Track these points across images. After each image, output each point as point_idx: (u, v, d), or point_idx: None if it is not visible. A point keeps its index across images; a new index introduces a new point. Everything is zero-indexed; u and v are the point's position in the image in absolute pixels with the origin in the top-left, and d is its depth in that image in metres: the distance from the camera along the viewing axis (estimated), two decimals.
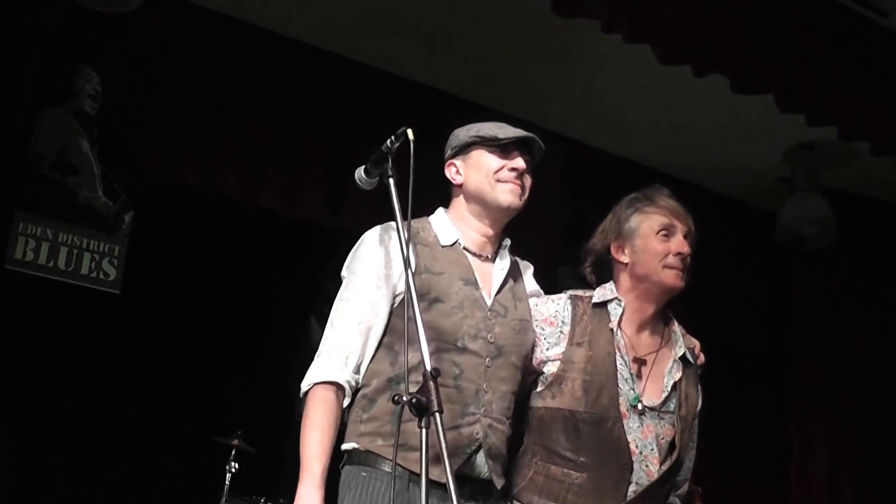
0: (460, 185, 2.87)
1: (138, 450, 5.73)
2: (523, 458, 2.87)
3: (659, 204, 2.97)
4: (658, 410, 2.85)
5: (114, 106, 5.91)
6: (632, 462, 2.78)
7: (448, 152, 2.91)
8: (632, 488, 2.77)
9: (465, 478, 2.65)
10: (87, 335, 5.80)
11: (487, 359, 2.72)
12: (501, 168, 2.80)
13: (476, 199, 2.84)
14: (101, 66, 5.77)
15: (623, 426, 2.79)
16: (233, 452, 4.99)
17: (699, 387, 3.02)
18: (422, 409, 2.29)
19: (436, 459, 2.51)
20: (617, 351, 2.85)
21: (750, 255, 7.49)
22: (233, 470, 4.96)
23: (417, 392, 2.30)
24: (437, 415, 2.25)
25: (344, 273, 2.84)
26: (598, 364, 2.82)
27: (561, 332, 2.86)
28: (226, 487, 4.91)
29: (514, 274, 2.93)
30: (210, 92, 5.95)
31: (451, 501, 2.20)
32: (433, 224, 2.87)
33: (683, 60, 4.69)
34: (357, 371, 2.71)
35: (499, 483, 2.76)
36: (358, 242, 2.85)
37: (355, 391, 2.75)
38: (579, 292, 2.98)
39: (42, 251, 5.85)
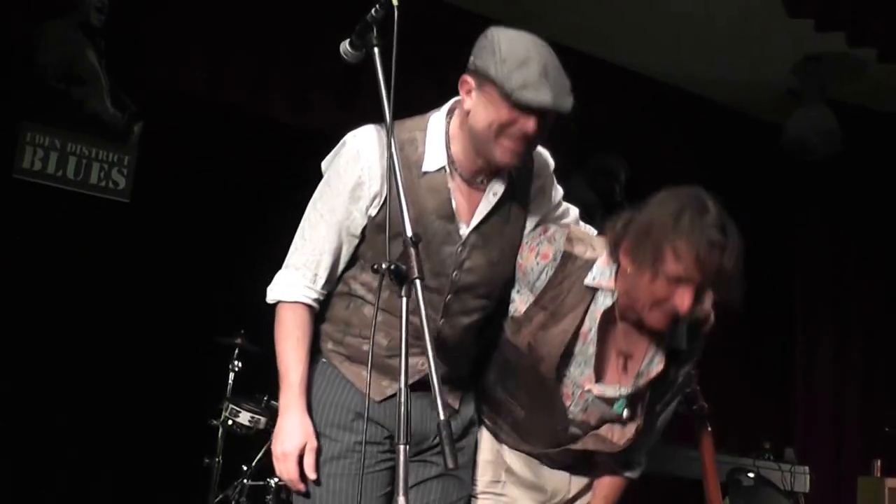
0: (467, 111, 2.51)
1: (144, 351, 5.78)
2: (489, 391, 2.84)
3: (694, 253, 2.39)
4: (612, 403, 2.67)
5: (120, 17, 5.93)
6: (567, 428, 2.70)
7: (471, 59, 2.50)
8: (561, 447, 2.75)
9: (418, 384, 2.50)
10: (96, 244, 5.84)
11: (448, 295, 2.61)
12: (510, 125, 2.43)
13: (473, 138, 2.51)
14: None
15: (562, 400, 2.67)
16: (236, 351, 5.04)
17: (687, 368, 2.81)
18: (401, 277, 2.23)
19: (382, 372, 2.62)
20: (580, 337, 2.63)
21: (757, 167, 7.50)
22: (236, 369, 5.03)
23: (398, 259, 2.24)
24: (418, 281, 2.19)
25: (324, 170, 2.73)
26: (549, 338, 2.61)
27: (533, 285, 2.64)
28: (229, 386, 4.98)
29: (510, 196, 2.64)
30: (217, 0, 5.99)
31: (431, 375, 2.13)
32: (427, 136, 2.58)
33: None
34: (325, 287, 2.67)
35: (454, 403, 2.72)
36: (340, 144, 2.66)
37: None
38: (578, 246, 2.64)
39: (50, 161, 5.91)
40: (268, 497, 4.76)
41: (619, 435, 2.71)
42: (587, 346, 2.63)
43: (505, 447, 2.87)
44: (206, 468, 4.89)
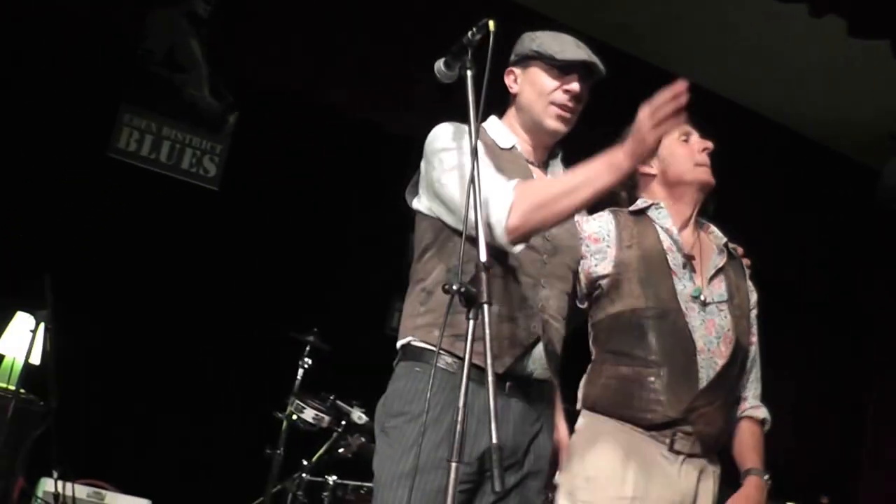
0: (515, 95, 2.80)
1: (219, 336, 5.91)
2: (593, 371, 2.87)
3: None
4: (716, 303, 2.86)
5: (226, 9, 6.05)
6: (696, 354, 2.77)
7: (511, 58, 2.82)
8: (703, 382, 2.76)
9: (519, 377, 2.62)
10: (182, 228, 5.98)
11: (545, 255, 2.69)
12: (556, 90, 2.71)
13: (526, 114, 2.77)
14: None
15: (685, 319, 2.80)
16: (307, 348, 5.10)
17: (749, 282, 3.04)
18: (471, 300, 2.24)
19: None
20: (666, 249, 2.86)
21: (844, 208, 7.39)
22: (305, 366, 5.08)
23: (469, 282, 2.24)
24: (486, 306, 2.20)
25: (429, 157, 2.71)
26: (650, 261, 2.83)
27: (607, 245, 2.85)
28: (297, 382, 5.04)
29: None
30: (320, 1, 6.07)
31: (489, 391, 2.15)
32: (488, 129, 2.80)
33: None
34: None
35: (555, 381, 2.75)
36: (431, 135, 2.72)
37: (415, 283, 2.73)
38: (615, 208, 2.97)
39: (145, 143, 6.06)
40: (324, 494, 4.80)
41: (726, 344, 2.83)
42: (677, 256, 2.86)
43: (632, 465, 2.75)
44: (266, 458, 4.95)
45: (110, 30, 5.86)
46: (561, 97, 2.70)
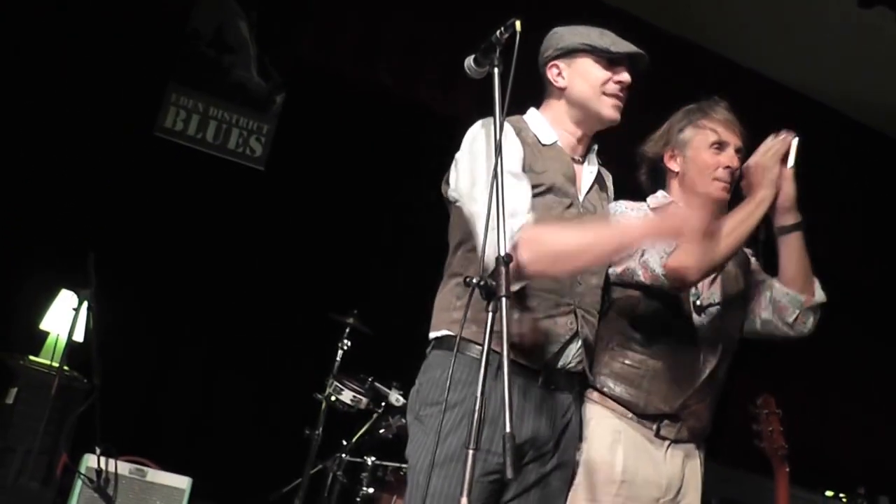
0: (562, 89, 2.82)
1: (261, 315, 5.98)
2: (600, 346, 2.87)
3: (713, 118, 2.96)
4: (710, 306, 2.89)
5: None
6: (695, 354, 2.85)
7: (550, 52, 2.84)
8: (697, 381, 2.84)
9: (556, 369, 2.66)
10: (227, 207, 6.03)
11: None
12: (608, 80, 2.77)
13: (578, 106, 2.81)
14: None
15: (692, 319, 2.86)
16: (347, 330, 5.12)
17: (751, 259, 3.09)
18: (490, 293, 2.28)
19: (527, 349, 2.61)
20: None
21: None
22: (345, 347, 5.10)
23: (489, 276, 2.27)
24: (504, 299, 2.22)
25: (464, 156, 2.76)
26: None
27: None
28: (336, 363, 5.07)
29: (600, 179, 2.91)
30: None
31: (504, 382, 2.14)
32: (530, 123, 2.83)
33: None
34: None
35: (590, 375, 2.78)
36: (470, 135, 2.77)
37: (450, 276, 2.76)
38: (643, 203, 3.00)
39: (192, 123, 6.11)
40: (363, 474, 4.83)
41: (716, 347, 2.89)
42: None
43: (620, 450, 2.82)
44: (306, 439, 4.99)
45: (159, 9, 5.90)
46: (613, 87, 2.77)
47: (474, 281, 2.29)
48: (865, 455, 6.96)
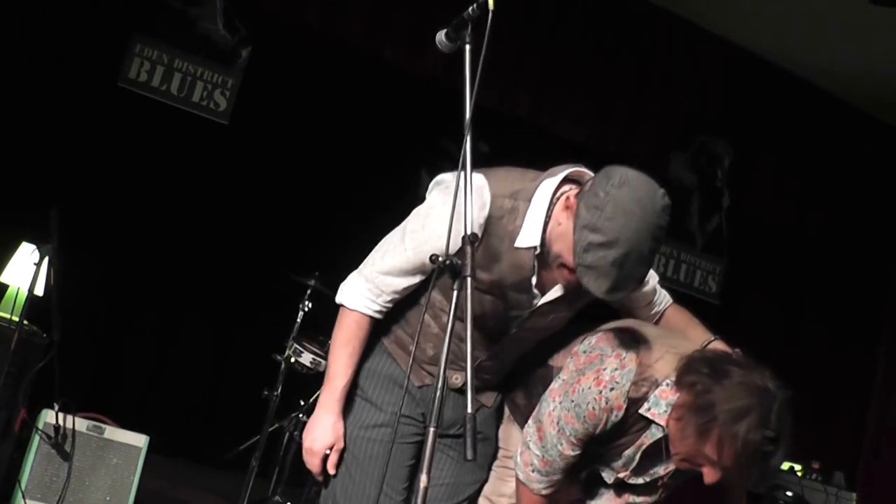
0: (564, 211, 2.50)
1: (221, 272, 5.98)
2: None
3: (737, 458, 2.43)
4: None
5: None
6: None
7: (587, 187, 2.45)
8: None
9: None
10: (190, 160, 5.99)
11: (498, 347, 2.72)
12: (571, 272, 2.45)
13: (549, 245, 2.54)
14: None
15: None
16: (308, 292, 5.10)
17: None
18: (455, 272, 2.29)
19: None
20: (635, 447, 2.67)
21: (870, 168, 7.37)
22: (305, 309, 5.09)
23: (454, 255, 2.26)
24: (468, 279, 2.22)
25: (429, 197, 2.70)
26: (599, 447, 2.70)
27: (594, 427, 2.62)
28: (296, 325, 5.06)
29: (576, 293, 2.59)
30: None
31: (468, 364, 2.15)
32: (528, 212, 2.55)
33: None
34: (391, 303, 2.69)
35: (486, 402, 2.84)
36: (438, 182, 2.71)
37: None
38: (642, 388, 2.58)
39: (156, 74, 6.04)
40: None
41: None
42: (636, 453, 2.68)
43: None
44: (264, 399, 4.99)
45: None
46: (570, 277, 2.50)
47: (440, 259, 2.30)
48: (821, 430, 7.09)
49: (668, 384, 2.56)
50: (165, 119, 6.01)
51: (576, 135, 6.68)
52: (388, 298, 2.68)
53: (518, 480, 2.76)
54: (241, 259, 5.99)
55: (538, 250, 2.54)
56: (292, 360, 4.97)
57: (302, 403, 5.02)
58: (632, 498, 2.82)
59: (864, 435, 7.33)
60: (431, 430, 2.17)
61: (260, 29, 6.20)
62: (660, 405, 2.57)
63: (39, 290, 4.68)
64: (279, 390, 5.01)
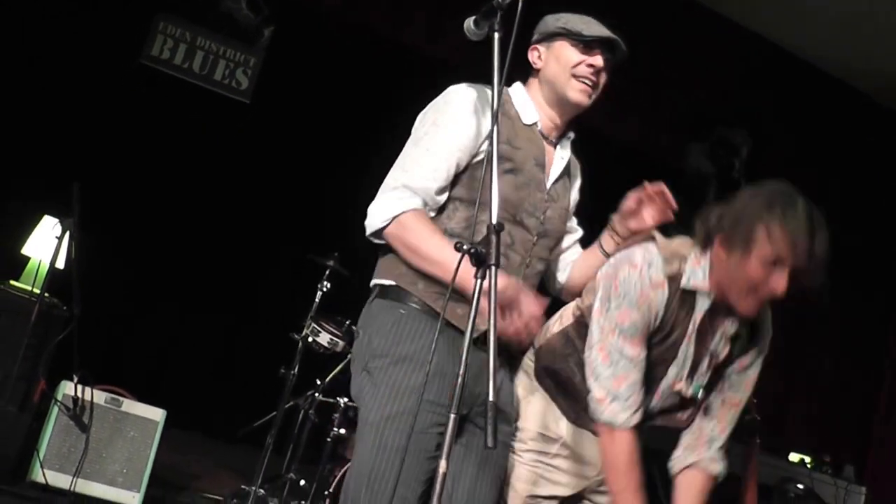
0: (538, 70, 2.85)
1: (242, 250, 6.01)
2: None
3: (788, 235, 2.50)
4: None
5: None
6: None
7: (535, 36, 2.88)
8: None
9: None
10: (210, 139, 6.02)
11: (536, 237, 2.77)
12: (580, 63, 2.78)
13: (549, 88, 2.83)
14: None
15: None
16: (327, 272, 5.12)
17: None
18: (480, 260, 2.32)
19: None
20: (685, 339, 2.71)
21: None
22: (324, 289, 5.11)
23: (479, 243, 2.29)
24: (493, 268, 2.24)
25: (428, 114, 2.81)
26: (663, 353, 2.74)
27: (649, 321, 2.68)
28: (315, 305, 5.09)
29: (569, 168, 2.94)
30: None
31: (489, 353, 2.18)
32: (514, 99, 2.85)
33: None
34: (425, 204, 2.68)
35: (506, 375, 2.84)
36: (445, 93, 2.81)
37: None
38: (673, 264, 2.67)
39: (179, 52, 6.07)
40: (335, 414, 4.88)
41: (686, 415, 2.84)
42: (689, 347, 2.73)
43: (564, 419, 2.91)
44: (280, 377, 5.02)
45: None
46: (584, 70, 2.78)
47: (465, 247, 2.32)
48: (832, 424, 7.10)
49: (694, 255, 2.68)
50: (187, 97, 6.05)
51: (593, 124, 6.67)
52: (421, 199, 2.66)
53: (604, 431, 2.73)
54: (260, 237, 6.03)
55: (539, 125, 2.83)
56: (310, 339, 5.00)
57: (318, 382, 5.05)
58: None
59: (874, 429, 7.33)
60: (452, 416, 2.20)
61: (282, 9, 6.21)
62: (696, 273, 2.68)
63: (60, 264, 4.73)
64: (296, 369, 5.04)
